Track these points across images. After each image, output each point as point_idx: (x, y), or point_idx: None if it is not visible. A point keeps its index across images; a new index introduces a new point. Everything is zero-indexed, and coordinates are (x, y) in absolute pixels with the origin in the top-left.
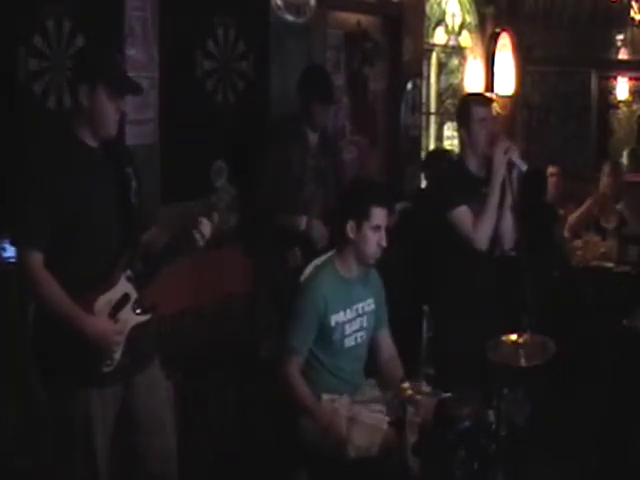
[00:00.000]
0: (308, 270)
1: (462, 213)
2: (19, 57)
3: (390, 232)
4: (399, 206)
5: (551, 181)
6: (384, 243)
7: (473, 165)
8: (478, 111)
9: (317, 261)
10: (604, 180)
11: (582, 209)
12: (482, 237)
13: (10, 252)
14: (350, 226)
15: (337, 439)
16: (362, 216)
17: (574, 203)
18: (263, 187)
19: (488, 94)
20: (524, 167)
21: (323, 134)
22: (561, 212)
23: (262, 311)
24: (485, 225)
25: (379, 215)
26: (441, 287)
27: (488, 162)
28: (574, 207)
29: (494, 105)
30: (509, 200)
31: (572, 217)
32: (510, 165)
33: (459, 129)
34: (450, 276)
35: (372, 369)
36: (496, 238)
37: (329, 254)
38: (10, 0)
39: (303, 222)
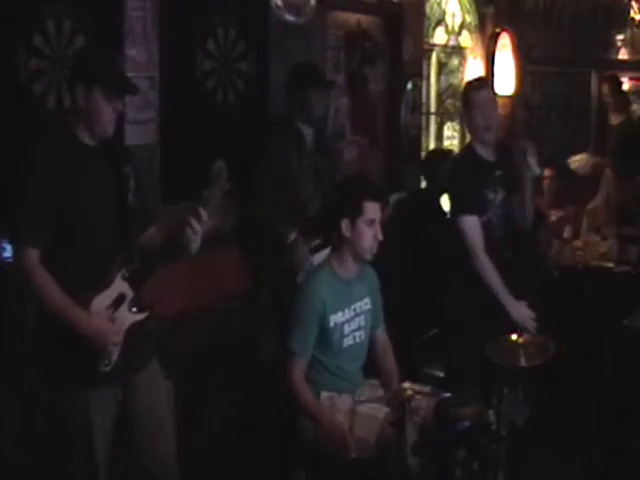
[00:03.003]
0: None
1: (471, 224)
2: (19, 57)
3: (384, 225)
4: (393, 197)
5: (545, 184)
6: (380, 237)
7: (482, 151)
8: (475, 96)
9: (312, 259)
10: (607, 185)
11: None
12: (480, 266)
13: (9, 252)
14: (345, 224)
15: (340, 443)
16: (356, 212)
17: (573, 204)
18: (261, 188)
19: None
20: (537, 172)
21: (319, 131)
22: (560, 213)
23: (262, 311)
24: (488, 277)
25: (372, 209)
26: (447, 288)
27: (497, 147)
28: (573, 208)
29: (491, 89)
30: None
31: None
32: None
33: (464, 116)
34: (456, 276)
35: (373, 369)
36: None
37: (326, 255)
38: (10, 0)
39: (291, 237)
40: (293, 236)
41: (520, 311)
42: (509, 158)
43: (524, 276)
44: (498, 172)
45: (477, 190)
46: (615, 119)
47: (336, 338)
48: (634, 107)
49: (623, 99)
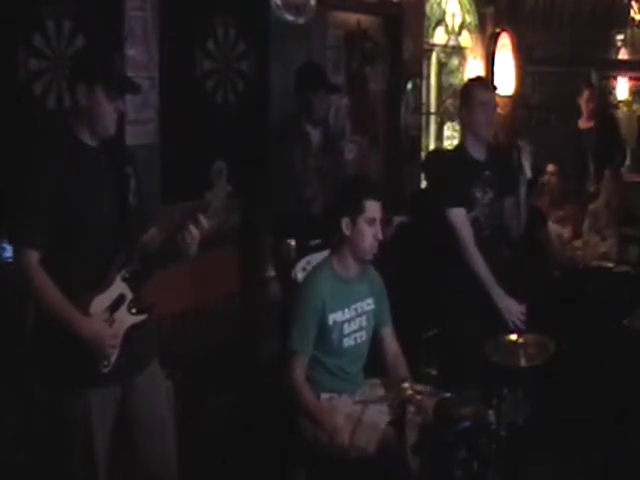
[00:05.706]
0: (300, 266)
1: (458, 216)
2: (19, 57)
3: (388, 245)
4: (396, 219)
5: (549, 180)
6: (380, 236)
7: (474, 149)
8: (481, 94)
9: (309, 258)
10: (607, 187)
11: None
12: (470, 257)
13: (9, 252)
14: (345, 223)
15: (340, 444)
16: (356, 211)
17: (572, 204)
18: (263, 188)
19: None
20: (529, 175)
21: (325, 131)
22: (560, 213)
23: (262, 311)
24: (477, 269)
25: (373, 208)
26: (446, 288)
27: (489, 147)
28: (572, 208)
29: (496, 93)
30: (514, 198)
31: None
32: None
33: (460, 112)
34: (455, 276)
35: (377, 369)
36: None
37: (323, 256)
38: (10, 0)
39: (290, 246)
40: (293, 243)
41: (509, 305)
42: (501, 159)
43: (522, 277)
44: (487, 172)
45: (464, 187)
46: (583, 124)
47: (335, 337)
48: (634, 107)
49: (594, 107)
